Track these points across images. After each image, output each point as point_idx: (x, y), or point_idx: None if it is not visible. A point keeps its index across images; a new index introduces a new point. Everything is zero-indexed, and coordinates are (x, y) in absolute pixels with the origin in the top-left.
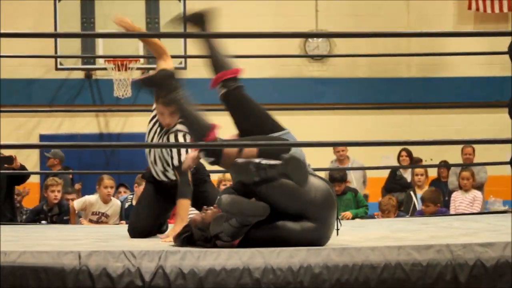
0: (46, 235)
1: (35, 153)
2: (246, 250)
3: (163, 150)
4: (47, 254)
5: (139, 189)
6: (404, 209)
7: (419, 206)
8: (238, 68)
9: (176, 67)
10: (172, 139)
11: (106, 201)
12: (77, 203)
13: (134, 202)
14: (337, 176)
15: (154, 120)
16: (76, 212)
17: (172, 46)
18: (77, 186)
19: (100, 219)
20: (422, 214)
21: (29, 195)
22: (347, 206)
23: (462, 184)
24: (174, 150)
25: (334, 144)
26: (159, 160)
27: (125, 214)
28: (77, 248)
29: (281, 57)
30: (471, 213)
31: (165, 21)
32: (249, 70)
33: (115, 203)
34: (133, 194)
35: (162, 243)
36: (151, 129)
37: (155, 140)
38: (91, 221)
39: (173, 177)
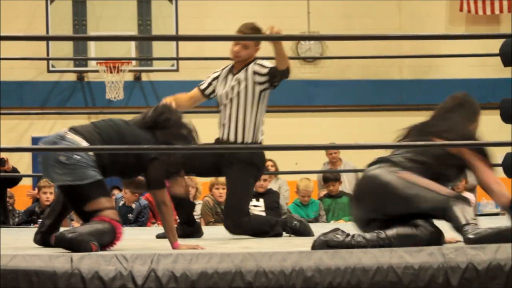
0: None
1: (28, 155)
2: (238, 253)
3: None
4: (39, 257)
5: (127, 194)
6: None
7: None
8: None
9: (168, 70)
10: (257, 67)
11: None
12: None
13: (127, 203)
14: (331, 176)
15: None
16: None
17: (164, 48)
18: None
19: None
20: None
21: (22, 197)
22: (342, 210)
23: (454, 187)
24: None
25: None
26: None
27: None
28: (69, 251)
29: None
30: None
31: (157, 23)
32: None
33: None
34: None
35: (154, 246)
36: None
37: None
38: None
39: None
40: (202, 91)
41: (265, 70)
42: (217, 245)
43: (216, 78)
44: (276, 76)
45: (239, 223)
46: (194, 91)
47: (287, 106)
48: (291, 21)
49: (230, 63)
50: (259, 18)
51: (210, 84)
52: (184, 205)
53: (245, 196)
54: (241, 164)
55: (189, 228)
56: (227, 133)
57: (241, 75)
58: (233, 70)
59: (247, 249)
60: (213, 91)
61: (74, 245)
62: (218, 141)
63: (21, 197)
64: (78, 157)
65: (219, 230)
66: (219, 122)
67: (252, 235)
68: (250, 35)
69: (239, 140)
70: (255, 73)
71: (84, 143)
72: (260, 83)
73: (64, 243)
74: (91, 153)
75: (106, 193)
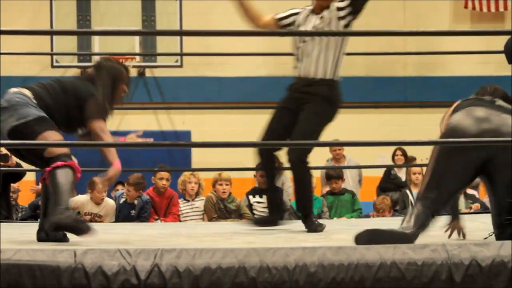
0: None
1: None
2: (242, 249)
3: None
4: (42, 252)
5: (130, 192)
6: (400, 208)
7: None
8: None
9: (172, 65)
10: (338, 3)
11: (98, 202)
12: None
13: (129, 200)
14: (333, 174)
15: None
16: None
17: (168, 44)
18: None
19: (93, 219)
20: None
21: (25, 192)
22: (344, 207)
23: None
24: None
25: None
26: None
27: (118, 210)
28: (72, 246)
29: (276, 55)
30: (467, 213)
31: (161, 19)
32: (244, 68)
33: (108, 203)
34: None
35: (158, 241)
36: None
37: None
38: None
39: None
40: (279, 19)
41: (346, 1)
42: (221, 240)
43: (296, 14)
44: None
45: (303, 158)
46: (268, 17)
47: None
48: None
49: None
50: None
51: (289, 16)
52: None
53: (317, 131)
54: (321, 99)
55: None
56: (307, 69)
57: (324, 13)
58: (315, 11)
59: (251, 244)
60: (290, 24)
61: (75, 229)
62: (296, 78)
63: (24, 192)
64: (17, 99)
65: (223, 226)
66: (297, 59)
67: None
68: None
69: (319, 75)
70: (338, 8)
71: (27, 92)
72: (344, 17)
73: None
74: (31, 96)
75: (52, 127)
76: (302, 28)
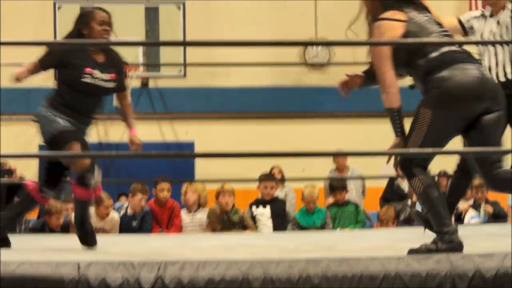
0: (45, 245)
1: (35, 162)
2: (245, 261)
3: None
4: (46, 264)
5: (134, 199)
6: (403, 218)
7: None
8: None
9: (175, 76)
10: None
11: (103, 217)
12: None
13: (129, 211)
14: (337, 185)
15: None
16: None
17: (172, 54)
18: None
19: (98, 233)
20: None
21: None
22: (348, 218)
23: None
24: None
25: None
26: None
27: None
28: (76, 258)
29: (280, 65)
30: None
31: (164, 30)
32: (248, 78)
33: (113, 216)
34: (129, 202)
35: (161, 253)
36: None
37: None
38: None
39: None
40: (461, 21)
41: None
42: (224, 252)
43: (476, 17)
44: None
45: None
46: (451, 18)
47: (295, 112)
48: (298, 26)
49: None
50: (266, 24)
51: (470, 19)
52: None
53: None
54: None
55: None
56: (502, 73)
57: (500, 16)
58: (492, 13)
59: (254, 256)
60: (470, 28)
61: None
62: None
63: None
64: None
65: (226, 238)
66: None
67: None
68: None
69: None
70: None
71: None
72: None
73: None
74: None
75: (76, 138)
76: (478, 33)
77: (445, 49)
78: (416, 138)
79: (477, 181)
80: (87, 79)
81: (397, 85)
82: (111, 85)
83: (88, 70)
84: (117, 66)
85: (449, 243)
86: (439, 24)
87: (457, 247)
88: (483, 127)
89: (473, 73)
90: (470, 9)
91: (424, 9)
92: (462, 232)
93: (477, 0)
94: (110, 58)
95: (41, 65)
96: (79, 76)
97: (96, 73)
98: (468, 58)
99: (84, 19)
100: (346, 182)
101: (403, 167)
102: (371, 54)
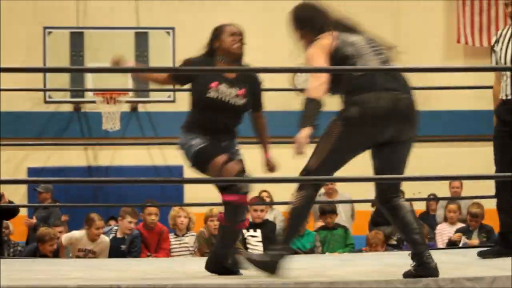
0: (33, 269)
1: (23, 186)
2: (234, 285)
3: None
4: None
5: (123, 222)
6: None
7: None
8: None
9: (164, 100)
10: None
11: (94, 239)
12: (64, 238)
13: (118, 235)
14: (328, 208)
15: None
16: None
17: None
18: (64, 218)
19: (87, 255)
20: None
21: (17, 227)
22: (337, 241)
23: (448, 217)
24: None
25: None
26: None
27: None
28: (64, 282)
29: (268, 90)
30: (460, 247)
31: (154, 55)
32: None
33: (103, 239)
34: (117, 226)
35: (151, 278)
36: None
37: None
38: (78, 257)
39: None
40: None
41: None
42: (213, 276)
43: (496, 42)
44: None
45: None
46: None
47: (284, 137)
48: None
49: None
50: (256, 51)
51: (495, 58)
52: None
53: None
54: None
55: None
56: None
57: None
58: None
59: (244, 280)
60: (495, 43)
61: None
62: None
63: (16, 227)
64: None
65: None
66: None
67: None
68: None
69: None
70: None
71: None
72: None
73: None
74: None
75: (217, 151)
76: (498, 46)
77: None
78: (322, 149)
79: (472, 209)
80: (211, 94)
81: (326, 78)
82: (240, 101)
83: (213, 84)
84: (250, 83)
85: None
86: (372, 42)
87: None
88: (386, 155)
89: (385, 102)
90: (458, 41)
91: (356, 31)
92: (451, 255)
93: (464, 1)
94: (242, 74)
95: (173, 77)
96: (204, 91)
97: (222, 87)
98: (387, 84)
99: (215, 33)
100: (336, 206)
101: (303, 174)
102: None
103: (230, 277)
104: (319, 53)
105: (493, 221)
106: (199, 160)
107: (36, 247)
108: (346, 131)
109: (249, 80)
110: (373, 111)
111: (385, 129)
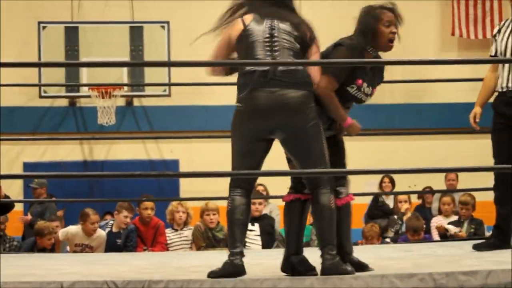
0: (29, 264)
1: (19, 181)
2: (229, 280)
3: None
4: (30, 284)
5: (119, 216)
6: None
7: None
8: None
9: (160, 95)
10: None
11: (90, 234)
12: (61, 234)
13: (114, 229)
14: None
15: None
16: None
17: (156, 73)
18: (60, 213)
19: (84, 250)
20: (406, 240)
21: (13, 223)
22: None
23: (443, 209)
24: None
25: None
26: None
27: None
28: (60, 278)
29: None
30: (455, 239)
31: (149, 49)
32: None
33: (100, 234)
34: (113, 220)
35: (146, 272)
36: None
37: None
38: (75, 252)
39: None
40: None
41: None
42: (209, 270)
43: (498, 31)
44: None
45: None
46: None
47: None
48: None
49: None
50: None
51: (495, 46)
52: None
53: None
54: None
55: None
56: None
57: None
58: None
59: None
60: (495, 34)
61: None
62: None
63: (12, 222)
64: None
65: (211, 255)
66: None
67: None
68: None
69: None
70: None
71: None
72: None
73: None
74: None
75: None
76: (500, 37)
77: (253, 68)
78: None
79: (462, 197)
80: (353, 91)
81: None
82: (367, 100)
83: (359, 81)
84: (379, 77)
85: (229, 264)
86: (270, 33)
87: (237, 270)
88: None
89: (260, 100)
90: (453, 34)
91: (280, 16)
92: (447, 247)
93: (459, 1)
94: (374, 67)
95: (338, 81)
96: (348, 83)
97: (365, 87)
98: (264, 83)
99: (372, 16)
100: None
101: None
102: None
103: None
104: (217, 45)
105: (484, 213)
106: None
107: (34, 241)
108: (234, 130)
109: (379, 75)
110: (250, 107)
111: (252, 124)
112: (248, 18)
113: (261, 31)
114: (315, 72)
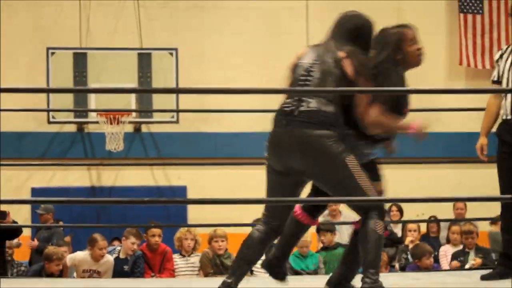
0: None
1: (27, 206)
2: None
3: None
4: None
5: (126, 242)
6: (398, 263)
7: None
8: None
9: (168, 121)
10: None
11: (98, 259)
12: (68, 259)
13: (121, 255)
14: (323, 227)
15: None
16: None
17: (165, 100)
18: (67, 238)
19: (92, 276)
20: (414, 268)
21: (21, 248)
22: (337, 261)
23: (451, 238)
24: None
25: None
26: None
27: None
28: None
29: (271, 111)
30: (465, 269)
31: (157, 75)
32: (240, 124)
33: (108, 259)
34: (121, 246)
35: None
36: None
37: None
38: (82, 278)
39: None
40: (494, 83)
41: None
42: None
43: (500, 56)
44: None
45: None
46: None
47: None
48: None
49: None
50: (259, 72)
51: (497, 71)
52: None
53: None
54: None
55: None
56: None
57: None
58: None
59: None
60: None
61: None
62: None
63: (20, 247)
64: None
65: (218, 282)
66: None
67: None
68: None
69: None
70: None
71: None
72: None
73: None
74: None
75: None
76: (502, 61)
77: (281, 105)
78: None
79: (465, 227)
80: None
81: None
82: None
83: (406, 110)
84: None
85: None
86: (308, 70)
87: None
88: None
89: (272, 136)
90: (460, 63)
91: (327, 51)
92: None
93: (467, 23)
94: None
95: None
96: (398, 111)
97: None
98: (280, 118)
99: (395, 42)
100: (336, 226)
101: None
102: None
103: None
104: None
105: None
106: None
107: (42, 267)
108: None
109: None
110: (268, 142)
111: (272, 160)
112: (305, 50)
113: (301, 68)
114: (361, 108)
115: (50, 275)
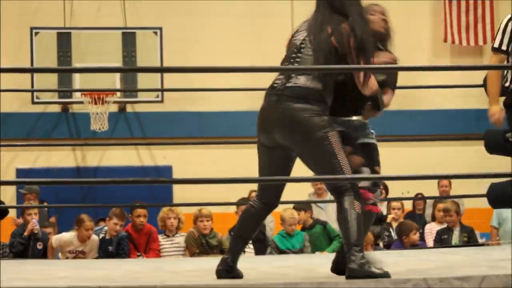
0: (22, 270)
1: (12, 187)
2: (223, 285)
3: None
4: None
5: (110, 223)
6: (382, 241)
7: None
8: None
9: (153, 101)
10: None
11: (84, 240)
12: (54, 240)
13: (107, 236)
14: (298, 206)
15: None
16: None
17: (149, 79)
18: (52, 219)
19: (77, 256)
20: (399, 246)
21: (6, 229)
22: (317, 239)
23: (437, 216)
24: None
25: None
26: None
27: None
28: (53, 283)
29: (257, 90)
30: (449, 246)
31: (141, 55)
32: (225, 103)
33: (93, 238)
34: (107, 227)
35: (140, 277)
36: None
37: None
38: (67, 258)
39: None
40: (505, 51)
41: None
42: (203, 276)
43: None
44: None
45: None
46: (496, 57)
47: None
48: (276, 57)
49: None
50: (245, 53)
51: (507, 38)
52: None
53: None
54: None
55: None
56: None
57: None
58: None
59: (233, 281)
60: None
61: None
62: None
63: (5, 230)
64: None
65: (205, 261)
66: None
67: None
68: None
69: None
70: None
71: None
72: None
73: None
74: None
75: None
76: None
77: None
78: None
79: (442, 205)
80: None
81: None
82: None
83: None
84: None
85: None
86: (299, 47)
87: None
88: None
89: (260, 111)
90: (445, 40)
91: (317, 27)
92: (441, 254)
93: (451, 8)
94: None
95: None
96: None
97: None
98: (269, 93)
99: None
100: (323, 205)
101: None
102: None
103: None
104: None
105: (474, 220)
106: None
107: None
108: None
109: None
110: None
111: (261, 135)
112: (299, 25)
113: (293, 45)
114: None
115: (35, 255)
